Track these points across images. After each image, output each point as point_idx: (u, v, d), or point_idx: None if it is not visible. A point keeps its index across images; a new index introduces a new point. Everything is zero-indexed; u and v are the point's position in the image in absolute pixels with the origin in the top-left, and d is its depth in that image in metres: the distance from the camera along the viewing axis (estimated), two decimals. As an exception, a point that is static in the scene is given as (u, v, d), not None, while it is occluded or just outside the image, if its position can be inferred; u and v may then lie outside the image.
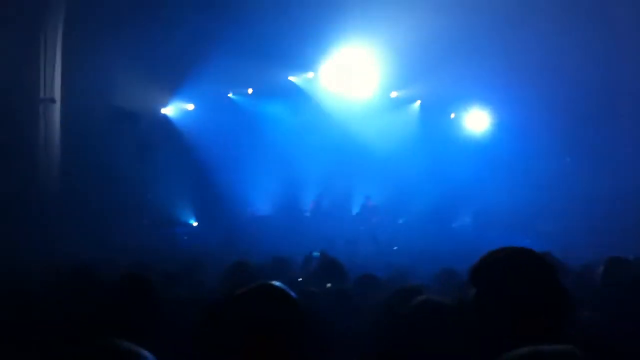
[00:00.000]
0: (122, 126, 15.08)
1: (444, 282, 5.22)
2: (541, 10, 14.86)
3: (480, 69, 15.83)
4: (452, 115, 18.68)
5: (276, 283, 2.11)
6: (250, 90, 18.10)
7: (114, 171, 14.17)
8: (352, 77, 17.80)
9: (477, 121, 18.33)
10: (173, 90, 16.89)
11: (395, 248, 14.78)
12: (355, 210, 17.73)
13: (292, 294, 2.06)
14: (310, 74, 18.24)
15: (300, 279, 5.16)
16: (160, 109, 17.20)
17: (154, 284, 3.30)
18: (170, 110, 17.39)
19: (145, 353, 1.46)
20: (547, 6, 14.86)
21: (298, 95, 18.36)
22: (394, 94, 18.40)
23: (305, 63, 17.82)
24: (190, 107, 17.64)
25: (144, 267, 5.24)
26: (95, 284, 4.26)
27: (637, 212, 13.86)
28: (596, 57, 15.17)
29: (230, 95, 18.12)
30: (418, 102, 18.48)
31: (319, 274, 5.13)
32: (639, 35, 14.50)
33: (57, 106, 12.72)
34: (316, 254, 8.20)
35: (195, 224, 17.19)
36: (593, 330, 2.92)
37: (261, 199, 18.04)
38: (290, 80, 18.21)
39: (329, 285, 4.45)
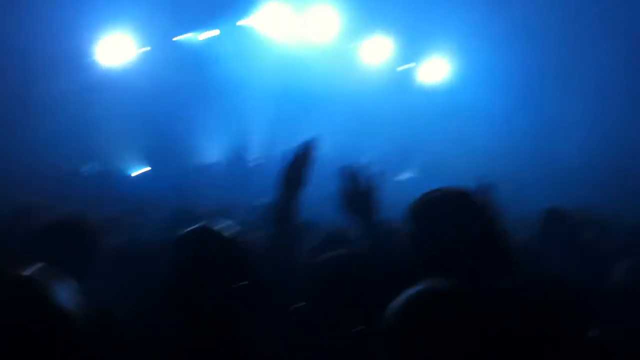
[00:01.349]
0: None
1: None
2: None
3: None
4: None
5: (213, 223, 2.08)
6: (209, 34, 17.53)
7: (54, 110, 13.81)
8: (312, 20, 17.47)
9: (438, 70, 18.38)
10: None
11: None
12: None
13: (230, 233, 2.04)
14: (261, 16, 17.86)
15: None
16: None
17: (91, 228, 3.22)
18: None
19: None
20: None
21: (250, 39, 17.96)
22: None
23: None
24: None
25: (81, 212, 5.11)
26: (32, 227, 4.14)
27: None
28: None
29: (175, 38, 17.53)
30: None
31: (262, 221, 5.10)
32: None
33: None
34: (262, 201, 8.18)
35: (134, 173, 16.84)
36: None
37: (210, 148, 17.78)
38: (241, 25, 17.80)
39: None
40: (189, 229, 1.99)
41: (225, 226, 2.05)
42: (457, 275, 1.94)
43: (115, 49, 16.30)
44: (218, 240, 1.97)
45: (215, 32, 17.45)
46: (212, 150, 17.72)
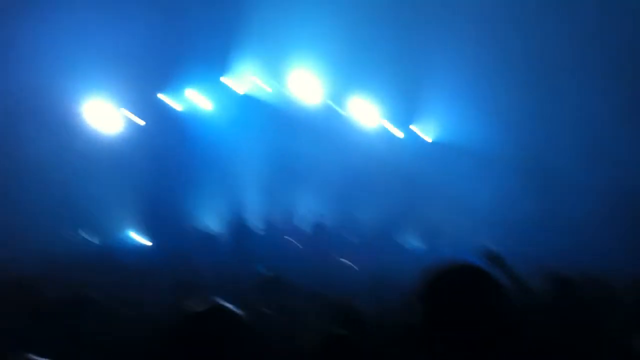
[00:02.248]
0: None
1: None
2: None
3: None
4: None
5: (223, 301, 2.08)
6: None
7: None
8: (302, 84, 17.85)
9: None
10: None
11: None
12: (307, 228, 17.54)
13: (238, 312, 2.04)
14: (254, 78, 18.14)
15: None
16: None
17: (102, 305, 3.21)
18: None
19: None
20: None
21: (241, 101, 18.29)
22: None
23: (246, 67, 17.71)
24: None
25: (84, 285, 5.07)
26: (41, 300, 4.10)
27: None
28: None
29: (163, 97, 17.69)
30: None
31: (265, 291, 5.07)
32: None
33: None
34: (265, 270, 8.14)
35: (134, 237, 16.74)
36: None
37: (207, 213, 17.75)
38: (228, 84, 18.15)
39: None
40: (199, 307, 1.98)
41: (233, 305, 2.05)
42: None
43: (108, 116, 16.59)
44: (230, 319, 1.97)
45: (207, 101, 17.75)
46: (211, 217, 17.68)
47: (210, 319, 1.97)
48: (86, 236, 15.41)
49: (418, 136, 18.52)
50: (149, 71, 15.84)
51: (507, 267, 3.61)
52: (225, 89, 18.03)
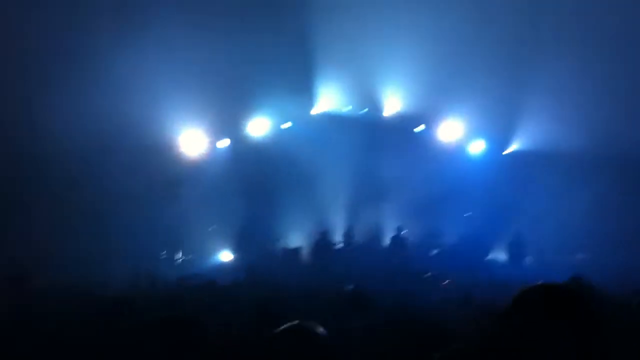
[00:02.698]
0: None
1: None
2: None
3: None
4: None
5: (306, 323, 2.12)
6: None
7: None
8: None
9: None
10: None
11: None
12: (386, 242, 17.56)
13: (321, 333, 2.08)
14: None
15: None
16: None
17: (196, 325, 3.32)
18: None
19: None
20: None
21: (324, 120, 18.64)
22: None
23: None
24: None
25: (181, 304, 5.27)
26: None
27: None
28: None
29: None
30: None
31: (349, 309, 5.06)
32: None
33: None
34: (348, 288, 8.15)
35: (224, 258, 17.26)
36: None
37: (291, 230, 18.06)
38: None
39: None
40: (283, 328, 2.04)
41: (316, 325, 2.09)
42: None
43: (196, 142, 17.31)
44: (313, 341, 2.01)
45: (288, 124, 18.27)
46: (295, 234, 17.99)
47: (291, 339, 2.02)
48: (179, 257, 16.01)
49: (505, 151, 18.33)
50: (237, 99, 16.46)
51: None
52: (309, 110, 18.51)
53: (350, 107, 19.03)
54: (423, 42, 15.53)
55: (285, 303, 4.87)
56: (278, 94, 17.01)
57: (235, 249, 17.25)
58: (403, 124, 18.58)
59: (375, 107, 18.72)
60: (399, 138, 18.23)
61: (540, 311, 2.12)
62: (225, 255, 17.34)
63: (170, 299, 6.04)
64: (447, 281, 13.26)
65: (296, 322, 2.14)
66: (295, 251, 17.27)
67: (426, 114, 18.52)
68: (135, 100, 14.63)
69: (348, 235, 17.99)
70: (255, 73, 15.92)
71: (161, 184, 15.66)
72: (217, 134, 17.67)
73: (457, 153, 18.26)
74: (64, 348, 3.58)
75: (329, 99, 18.60)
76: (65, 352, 3.43)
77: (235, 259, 16.95)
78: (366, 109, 19.02)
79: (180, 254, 16.18)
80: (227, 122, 17.21)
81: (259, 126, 18.32)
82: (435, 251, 17.16)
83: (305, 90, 17.80)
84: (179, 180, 16.00)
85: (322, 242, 16.99)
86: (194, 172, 16.82)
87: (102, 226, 14.37)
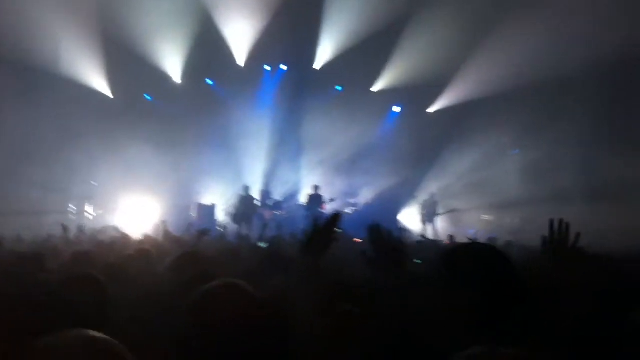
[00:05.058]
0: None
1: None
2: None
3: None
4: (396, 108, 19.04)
5: (238, 281, 2.09)
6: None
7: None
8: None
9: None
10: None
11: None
12: (304, 200, 17.70)
13: (254, 292, 2.06)
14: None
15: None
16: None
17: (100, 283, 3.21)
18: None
19: (120, 346, 1.42)
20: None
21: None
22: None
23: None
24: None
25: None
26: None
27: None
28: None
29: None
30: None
31: (266, 267, 5.02)
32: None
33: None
34: (263, 244, 8.16)
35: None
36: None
37: (210, 189, 17.95)
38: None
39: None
40: (215, 284, 2.02)
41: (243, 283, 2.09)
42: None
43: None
44: (246, 296, 2.01)
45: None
46: (214, 191, 17.92)
47: (225, 294, 1.99)
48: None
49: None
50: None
51: None
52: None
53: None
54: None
55: (210, 262, 4.75)
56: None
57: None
58: (325, 83, 18.57)
59: (300, 63, 18.58)
60: (320, 97, 18.23)
61: (465, 267, 2.21)
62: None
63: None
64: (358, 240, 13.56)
65: (224, 279, 2.10)
66: (212, 207, 17.18)
67: (349, 76, 18.52)
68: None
69: (266, 193, 18.03)
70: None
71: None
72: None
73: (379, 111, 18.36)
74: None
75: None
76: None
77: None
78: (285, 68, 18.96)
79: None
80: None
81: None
82: (350, 209, 17.48)
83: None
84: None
85: (242, 200, 16.91)
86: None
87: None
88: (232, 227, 15.52)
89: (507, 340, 1.72)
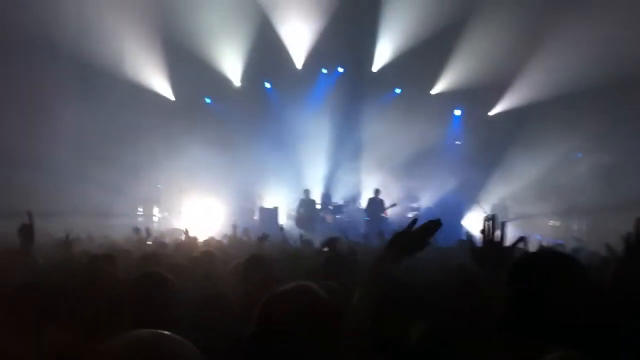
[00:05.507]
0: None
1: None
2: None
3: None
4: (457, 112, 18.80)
5: (309, 284, 2.07)
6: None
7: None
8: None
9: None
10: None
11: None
12: (364, 204, 17.64)
13: (325, 295, 2.04)
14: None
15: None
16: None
17: (168, 280, 3.26)
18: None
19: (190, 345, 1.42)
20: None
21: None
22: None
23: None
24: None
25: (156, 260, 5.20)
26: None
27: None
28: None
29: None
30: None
31: (327, 268, 4.99)
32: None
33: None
34: (325, 248, 8.15)
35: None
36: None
37: (271, 194, 18.12)
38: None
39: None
40: (285, 288, 2.00)
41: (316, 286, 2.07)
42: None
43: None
44: (318, 300, 1.99)
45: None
46: (277, 194, 18.10)
47: (298, 300, 1.99)
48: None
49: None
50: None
51: None
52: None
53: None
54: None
55: (269, 261, 4.79)
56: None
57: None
58: (383, 85, 18.51)
59: (358, 66, 18.61)
60: (378, 99, 18.18)
61: (541, 277, 2.14)
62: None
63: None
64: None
65: (295, 282, 2.09)
66: (274, 210, 17.33)
67: (407, 78, 18.38)
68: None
69: (327, 196, 18.08)
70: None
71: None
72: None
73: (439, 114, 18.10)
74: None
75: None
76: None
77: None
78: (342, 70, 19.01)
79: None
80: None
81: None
82: (411, 214, 17.29)
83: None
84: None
85: (303, 203, 17.03)
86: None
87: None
88: (295, 230, 15.62)
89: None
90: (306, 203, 16.89)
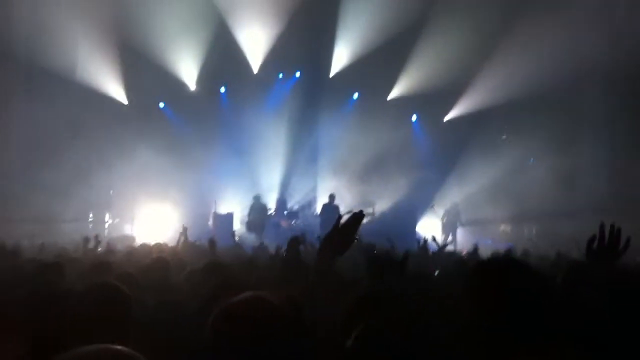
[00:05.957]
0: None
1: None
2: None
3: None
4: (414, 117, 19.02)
5: (264, 293, 2.05)
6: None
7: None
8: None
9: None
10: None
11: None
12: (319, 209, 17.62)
13: (281, 305, 2.01)
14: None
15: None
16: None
17: (120, 290, 3.17)
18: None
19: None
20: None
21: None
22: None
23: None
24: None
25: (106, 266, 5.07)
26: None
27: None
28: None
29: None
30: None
31: (284, 273, 4.96)
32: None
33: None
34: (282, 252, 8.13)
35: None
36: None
37: (226, 200, 17.95)
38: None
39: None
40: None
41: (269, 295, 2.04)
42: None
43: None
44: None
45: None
46: (232, 199, 17.96)
47: (252, 311, 1.96)
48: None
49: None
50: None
51: None
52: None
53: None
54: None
55: (226, 268, 4.73)
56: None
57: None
58: (339, 91, 18.58)
59: (315, 71, 18.65)
60: (335, 105, 18.25)
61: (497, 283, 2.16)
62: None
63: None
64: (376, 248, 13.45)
65: (250, 292, 2.06)
66: (229, 216, 17.18)
67: (364, 84, 18.53)
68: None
69: (282, 202, 18.01)
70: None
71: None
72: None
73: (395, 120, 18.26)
74: None
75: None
76: None
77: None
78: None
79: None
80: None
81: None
82: (366, 219, 17.33)
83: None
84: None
85: (254, 208, 16.91)
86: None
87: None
88: (248, 236, 15.51)
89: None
90: (256, 208, 16.80)
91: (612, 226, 2.68)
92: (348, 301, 2.74)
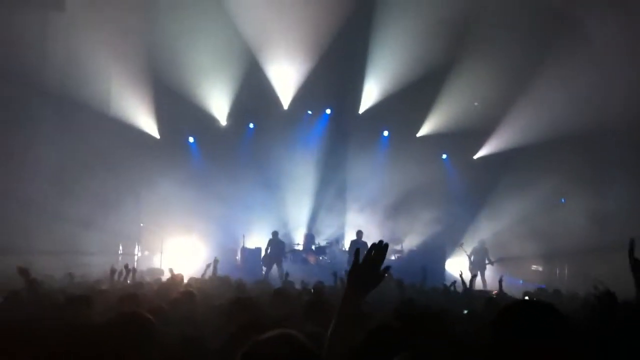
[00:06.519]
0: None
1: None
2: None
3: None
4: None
5: (293, 332, 2.02)
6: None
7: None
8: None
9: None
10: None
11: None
12: (346, 246, 17.56)
13: (309, 344, 1.99)
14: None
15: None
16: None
17: (147, 320, 3.17)
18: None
19: None
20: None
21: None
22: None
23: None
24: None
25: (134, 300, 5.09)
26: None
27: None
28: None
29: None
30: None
31: (309, 313, 4.92)
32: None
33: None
34: (308, 289, 8.11)
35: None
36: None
37: (254, 234, 18.00)
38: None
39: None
40: (269, 335, 1.95)
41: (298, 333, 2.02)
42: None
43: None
44: (300, 348, 1.95)
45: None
46: (259, 234, 18.00)
47: (280, 349, 1.93)
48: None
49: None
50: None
51: None
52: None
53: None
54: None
55: (255, 304, 4.71)
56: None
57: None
58: (369, 128, 18.66)
59: (344, 108, 18.80)
60: (364, 141, 18.30)
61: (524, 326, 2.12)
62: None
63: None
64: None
65: (279, 330, 2.04)
66: (257, 251, 17.19)
67: (393, 121, 18.62)
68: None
69: (310, 237, 18.00)
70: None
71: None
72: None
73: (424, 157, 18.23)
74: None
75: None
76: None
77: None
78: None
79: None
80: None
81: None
82: (394, 256, 17.24)
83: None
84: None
85: (270, 243, 16.87)
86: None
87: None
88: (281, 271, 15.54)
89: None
90: (273, 244, 16.77)
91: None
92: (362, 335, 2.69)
